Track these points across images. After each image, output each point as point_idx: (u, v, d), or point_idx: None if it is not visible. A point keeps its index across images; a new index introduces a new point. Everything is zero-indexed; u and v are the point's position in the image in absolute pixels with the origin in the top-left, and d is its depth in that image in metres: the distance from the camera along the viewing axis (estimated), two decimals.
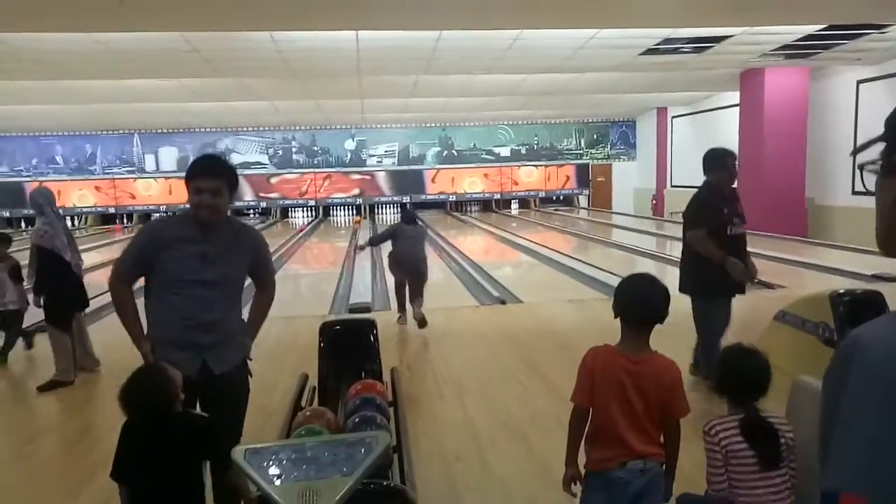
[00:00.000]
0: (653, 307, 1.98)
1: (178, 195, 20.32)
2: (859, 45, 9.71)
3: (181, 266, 2.43)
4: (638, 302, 2.01)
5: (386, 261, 6.43)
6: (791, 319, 4.32)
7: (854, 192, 11.70)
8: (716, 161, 4.22)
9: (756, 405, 1.97)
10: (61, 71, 9.93)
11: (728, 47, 9.74)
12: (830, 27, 8.68)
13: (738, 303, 6.94)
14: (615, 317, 2.06)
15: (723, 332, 4.14)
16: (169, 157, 20.06)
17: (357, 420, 2.58)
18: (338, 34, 7.98)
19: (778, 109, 12.01)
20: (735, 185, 4.43)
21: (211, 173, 2.44)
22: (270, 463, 1.59)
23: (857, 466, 0.67)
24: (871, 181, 0.85)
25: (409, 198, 20.87)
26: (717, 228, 4.07)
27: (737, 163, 4.43)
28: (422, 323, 5.54)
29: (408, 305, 5.78)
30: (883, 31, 8.90)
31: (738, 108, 13.11)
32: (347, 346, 3.51)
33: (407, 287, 5.85)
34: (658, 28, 8.52)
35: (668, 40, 9.22)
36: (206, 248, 2.46)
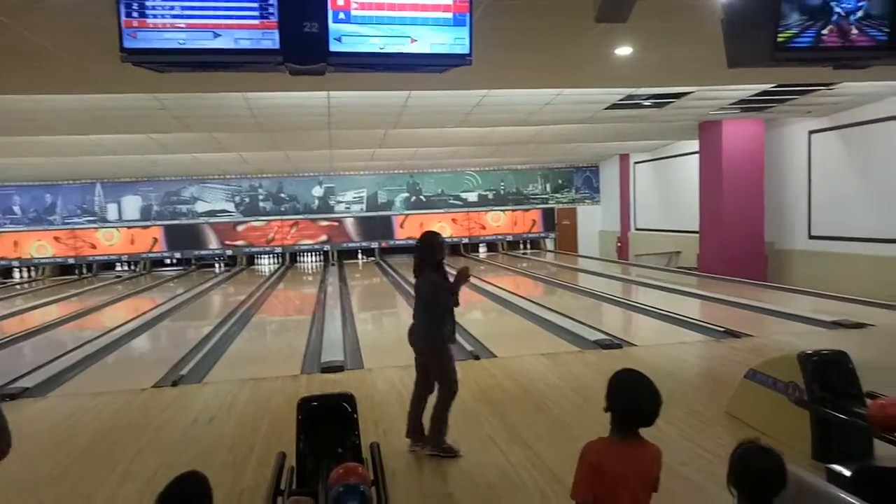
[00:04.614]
0: (646, 416, 2.04)
1: (140, 244, 19.97)
2: (809, 99, 10.22)
3: None
4: (634, 411, 2.07)
5: (360, 307, 6.31)
6: (761, 379, 4.41)
7: (811, 237, 12.15)
8: None
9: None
10: (31, 127, 9.79)
11: (687, 102, 10.15)
12: (782, 85, 9.13)
13: (704, 351, 7.14)
14: (606, 410, 2.10)
15: None
16: (132, 206, 19.73)
17: None
18: (309, 93, 8.08)
19: (735, 158, 12.47)
20: None
21: None
22: None
23: None
24: None
25: (378, 243, 20.93)
26: None
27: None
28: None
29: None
30: (831, 87, 9.39)
31: (697, 155, 13.57)
32: (327, 423, 3.45)
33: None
34: (623, 88, 8.86)
35: (630, 97, 9.57)
36: None
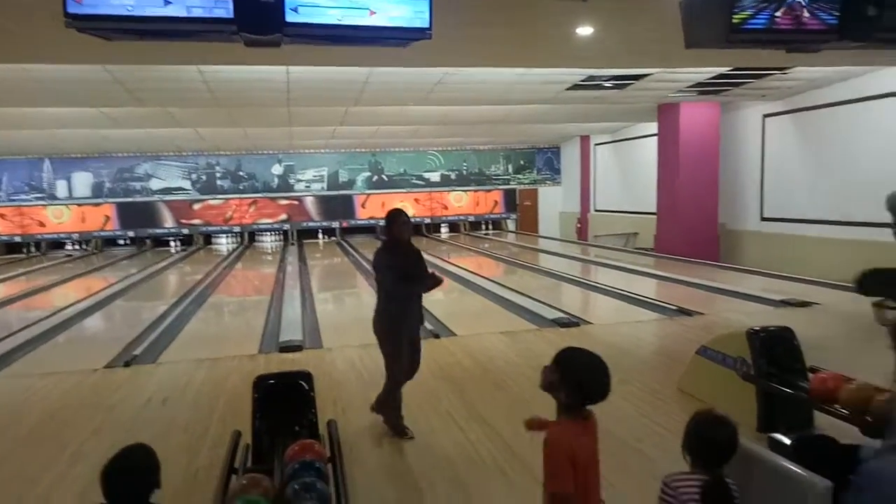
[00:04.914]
0: (600, 394, 2.06)
1: (92, 223, 19.35)
2: (764, 83, 10.44)
3: None
4: (589, 390, 2.07)
5: (320, 287, 6.23)
6: (712, 355, 4.54)
7: (763, 219, 12.51)
8: None
9: (720, 471, 2.05)
10: None
11: (647, 84, 10.26)
12: (738, 69, 9.30)
13: (658, 328, 7.31)
14: (551, 390, 2.10)
15: None
16: (83, 182, 19.06)
17: (296, 487, 2.52)
18: (268, 67, 7.89)
19: (692, 140, 12.70)
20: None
21: None
22: None
23: None
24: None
25: (339, 223, 20.74)
26: None
27: None
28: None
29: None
30: (785, 72, 9.61)
31: (655, 138, 13.77)
32: (283, 401, 3.43)
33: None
34: (584, 69, 8.89)
35: (591, 77, 9.63)
36: None
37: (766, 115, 12.30)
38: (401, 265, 4.24)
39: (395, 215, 4.31)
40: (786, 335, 4.17)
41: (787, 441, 2.23)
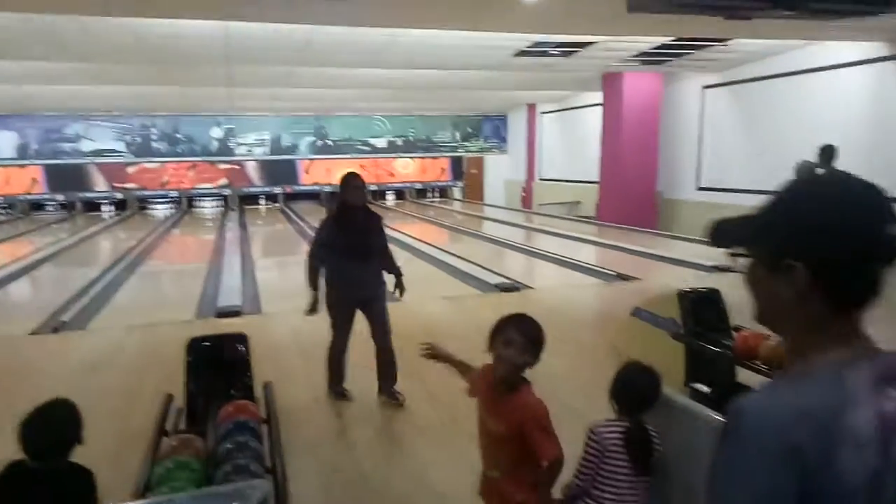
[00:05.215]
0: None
1: (18, 185, 18.35)
2: (704, 55, 10.67)
3: None
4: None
5: (262, 253, 6.10)
6: (645, 316, 4.68)
7: (699, 188, 12.90)
8: None
9: (641, 418, 2.13)
10: None
11: (592, 52, 10.33)
12: (680, 39, 9.45)
13: (596, 293, 7.50)
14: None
15: None
16: (6, 142, 17.94)
17: (229, 446, 2.48)
18: (205, 22, 7.54)
19: (635, 110, 12.90)
20: None
21: None
22: None
23: None
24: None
25: (282, 188, 20.29)
26: None
27: None
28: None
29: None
30: (725, 43, 9.83)
31: (600, 108, 13.94)
32: (217, 363, 3.36)
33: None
34: (530, 34, 8.86)
35: (538, 44, 9.62)
36: None
37: (705, 87, 12.59)
38: (341, 235, 4.06)
39: (346, 179, 4.12)
40: (713, 297, 4.33)
41: (707, 390, 2.33)
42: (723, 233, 1.03)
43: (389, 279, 4.33)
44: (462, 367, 2.40)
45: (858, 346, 0.89)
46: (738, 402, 0.85)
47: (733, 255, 1.00)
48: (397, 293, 4.31)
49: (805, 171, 6.53)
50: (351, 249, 4.05)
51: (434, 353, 2.43)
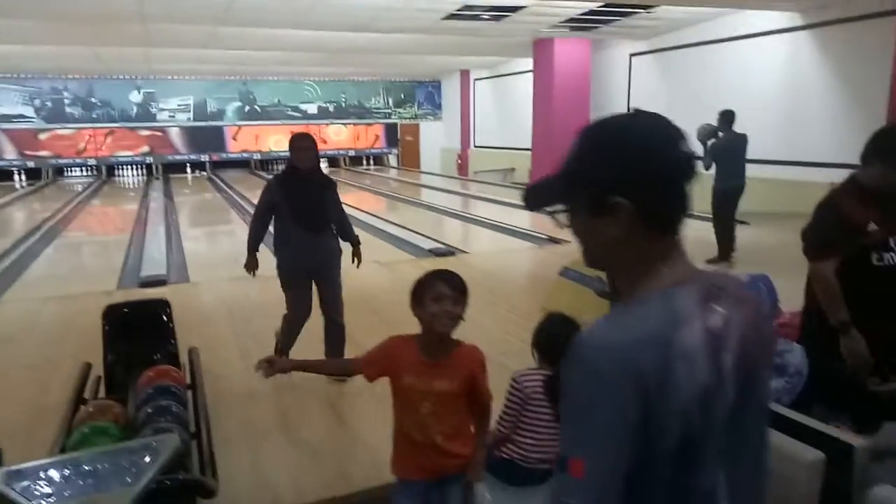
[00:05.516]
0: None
1: None
2: (631, 22, 10.84)
3: None
4: None
5: (189, 223, 5.87)
6: (573, 275, 4.80)
7: None
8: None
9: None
10: None
11: (522, 17, 10.31)
12: (607, 5, 9.56)
13: (530, 256, 7.63)
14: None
15: None
16: None
17: (150, 411, 2.41)
18: None
19: (565, 76, 13.02)
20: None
21: None
22: (40, 483, 1.41)
23: (575, 434, 0.86)
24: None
25: (208, 156, 19.54)
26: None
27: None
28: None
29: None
30: (650, 10, 10.01)
31: (532, 74, 14.00)
32: (137, 330, 3.23)
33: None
34: None
35: (468, 7, 9.52)
36: None
37: (632, 55, 12.84)
38: (288, 200, 3.79)
39: (293, 140, 3.83)
40: None
41: None
42: (535, 196, 1.06)
43: (346, 248, 4.16)
44: (324, 365, 2.36)
45: (682, 268, 0.94)
46: (580, 335, 0.88)
47: (550, 213, 1.03)
48: (355, 262, 4.15)
49: (705, 133, 6.97)
50: (299, 216, 3.81)
51: (275, 369, 2.07)
